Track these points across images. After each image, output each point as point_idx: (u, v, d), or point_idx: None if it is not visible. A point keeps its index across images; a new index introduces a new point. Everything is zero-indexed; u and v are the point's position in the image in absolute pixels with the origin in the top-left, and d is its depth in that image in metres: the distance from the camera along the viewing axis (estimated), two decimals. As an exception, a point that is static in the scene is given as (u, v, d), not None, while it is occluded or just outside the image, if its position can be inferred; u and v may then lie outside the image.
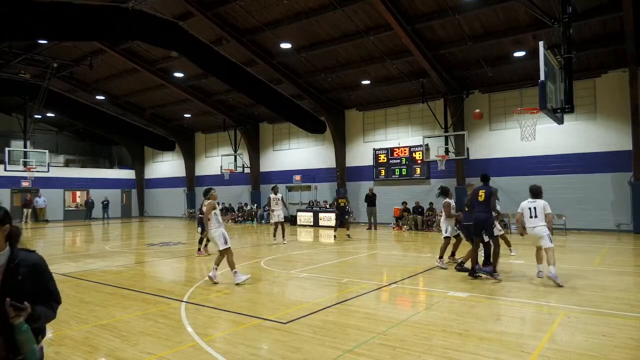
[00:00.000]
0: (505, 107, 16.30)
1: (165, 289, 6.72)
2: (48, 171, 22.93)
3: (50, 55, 18.69)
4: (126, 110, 24.49)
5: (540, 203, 6.51)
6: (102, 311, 5.51)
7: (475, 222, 6.77)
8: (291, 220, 20.05)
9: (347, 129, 20.71)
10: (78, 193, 29.29)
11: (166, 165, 29.54)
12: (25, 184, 24.80)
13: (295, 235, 15.00)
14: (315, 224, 18.44)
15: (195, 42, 14.41)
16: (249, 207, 23.56)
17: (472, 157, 16.45)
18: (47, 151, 22.96)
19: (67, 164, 30.14)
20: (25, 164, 22.06)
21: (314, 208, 19.47)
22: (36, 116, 24.73)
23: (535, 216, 6.50)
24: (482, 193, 6.81)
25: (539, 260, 6.82)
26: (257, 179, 23.87)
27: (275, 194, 12.35)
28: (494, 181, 16.09)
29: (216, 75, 16.39)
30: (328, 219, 18.46)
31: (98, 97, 23.01)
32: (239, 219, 22.75)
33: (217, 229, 7.12)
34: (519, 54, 14.21)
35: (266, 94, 17.65)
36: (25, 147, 24.63)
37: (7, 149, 22.25)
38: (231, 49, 15.95)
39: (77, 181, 27.85)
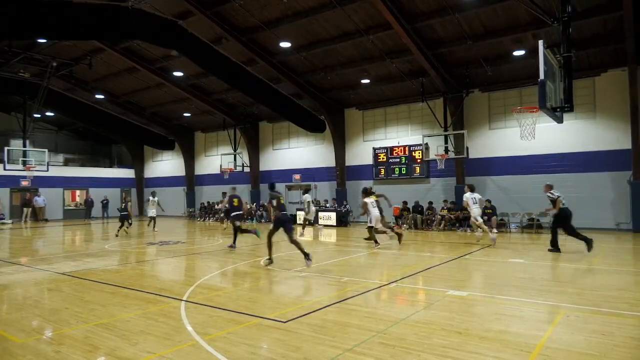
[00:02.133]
0: (505, 106, 16.28)
1: (165, 288, 6.73)
2: (47, 170, 22.96)
3: (49, 54, 18.72)
4: (126, 110, 24.52)
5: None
6: (102, 310, 5.51)
7: None
8: (291, 219, 20.17)
9: (347, 128, 20.70)
10: (77, 192, 29.32)
11: (166, 165, 29.63)
12: (24, 183, 24.90)
13: (296, 234, 14.96)
14: (316, 222, 18.42)
15: (194, 41, 14.42)
16: (248, 206, 23.60)
17: (471, 156, 16.45)
18: (46, 150, 22.98)
19: (66, 163, 30.22)
20: (24, 163, 22.07)
21: (315, 207, 19.48)
22: (35, 115, 24.71)
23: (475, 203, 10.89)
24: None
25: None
26: (256, 178, 23.94)
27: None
28: (494, 180, 16.12)
29: (216, 74, 16.43)
30: (328, 218, 18.48)
31: (97, 96, 23.04)
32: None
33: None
34: (519, 52, 14.20)
35: (266, 93, 17.63)
36: (24, 146, 24.63)
37: (6, 148, 22.34)
38: (231, 48, 15.97)
39: (77, 180, 27.98)
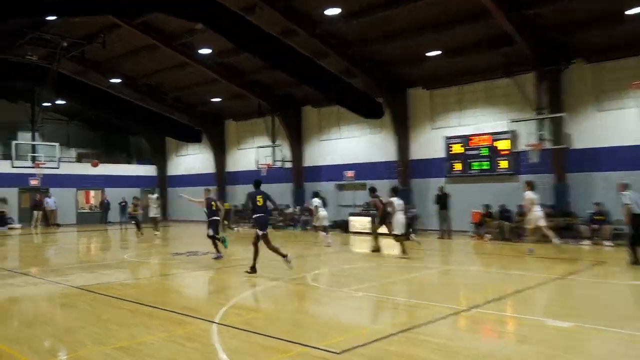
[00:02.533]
0: (617, 80, 15.46)
1: (194, 307, 6.90)
2: (58, 167, 24.26)
3: (59, 33, 19.64)
4: (145, 95, 25.44)
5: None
6: (122, 331, 5.69)
7: None
8: (343, 226, 20.11)
9: (411, 111, 20.40)
10: (92, 193, 30.73)
11: (192, 160, 30.46)
12: (33, 182, 26.27)
13: (347, 245, 15.08)
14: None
15: (223, 11, 14.49)
16: (290, 210, 23.83)
17: (575, 146, 15.95)
18: (57, 144, 24.27)
19: (79, 159, 31.76)
20: (33, 159, 23.49)
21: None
22: (45, 104, 26.22)
23: None
24: None
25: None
26: (300, 175, 24.11)
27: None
28: (606, 177, 15.22)
29: (248, 50, 16.59)
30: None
31: (112, 80, 23.97)
32: (280, 223, 23.06)
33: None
34: (635, 10, 13.42)
35: (309, 70, 17.66)
36: (33, 139, 26.47)
37: (13, 142, 23.72)
38: (266, 17, 15.89)
39: (91, 179, 29.12)
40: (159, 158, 32.03)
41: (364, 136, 22.13)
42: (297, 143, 24.21)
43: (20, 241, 20.03)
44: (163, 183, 31.67)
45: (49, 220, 27.12)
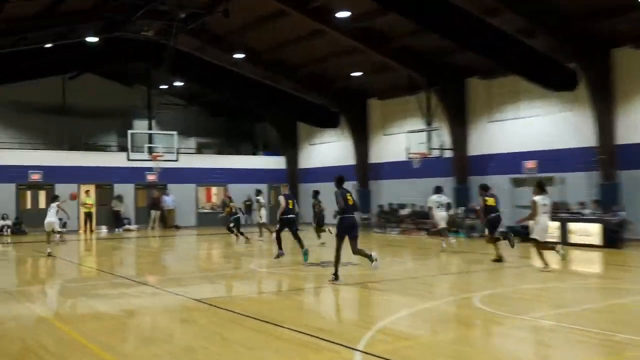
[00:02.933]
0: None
1: (331, 329, 7.05)
2: (177, 160, 26.16)
3: (176, 2, 20.84)
4: (272, 72, 26.51)
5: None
6: (248, 354, 5.97)
7: None
8: (521, 233, 19.28)
9: (618, 79, 18.96)
10: (214, 189, 32.69)
11: (328, 149, 31.47)
12: (150, 177, 28.72)
13: (527, 258, 14.71)
14: (563, 239, 17.33)
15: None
16: (451, 211, 23.17)
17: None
18: (175, 133, 26.06)
19: (199, 149, 33.99)
20: (150, 150, 25.30)
21: (562, 214, 18.27)
22: (161, 86, 28.54)
23: None
24: None
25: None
26: (463, 167, 23.85)
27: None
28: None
29: (397, 9, 16.58)
30: (584, 232, 17.16)
31: (235, 56, 25.31)
32: (434, 229, 22.60)
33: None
34: None
35: (474, 31, 17.40)
36: (150, 127, 28.63)
37: (129, 131, 25.87)
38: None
39: (212, 173, 31.14)
40: (289, 148, 33.32)
41: (549, 115, 21.24)
42: (460, 125, 23.70)
43: (136, 245, 22.15)
44: (293, 177, 32.83)
45: (167, 222, 29.52)
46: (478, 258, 15.03)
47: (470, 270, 13.18)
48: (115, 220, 28.27)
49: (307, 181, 31.89)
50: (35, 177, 27.38)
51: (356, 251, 10.64)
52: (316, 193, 19.88)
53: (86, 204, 27.39)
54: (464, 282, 11.68)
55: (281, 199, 14.31)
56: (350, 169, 28.71)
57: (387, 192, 27.13)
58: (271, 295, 10.40)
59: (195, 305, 8.92)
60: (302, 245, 13.72)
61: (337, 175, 11.26)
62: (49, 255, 16.23)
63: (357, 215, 10.82)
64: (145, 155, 25.18)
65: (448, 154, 23.81)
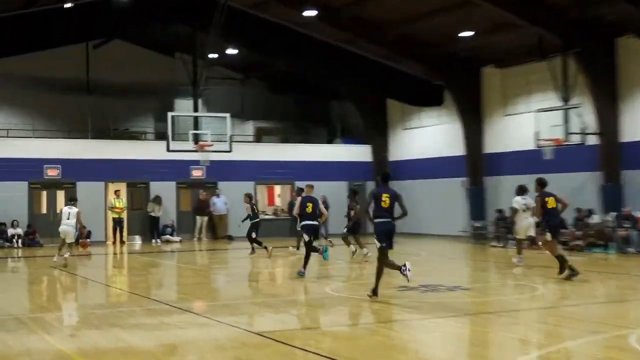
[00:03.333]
0: None
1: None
2: (230, 150, 25.83)
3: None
4: (354, 34, 26.31)
5: None
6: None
7: None
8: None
9: None
10: (277, 189, 32.86)
11: (427, 135, 31.27)
12: (196, 173, 29.10)
13: None
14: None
15: None
16: (596, 219, 22.65)
17: None
18: (228, 115, 25.68)
19: (258, 136, 34.18)
20: (196, 138, 25.21)
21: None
22: (211, 56, 28.78)
23: None
24: None
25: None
26: (614, 158, 23.41)
27: None
28: None
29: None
30: None
31: (306, 14, 25.18)
32: (578, 242, 22.01)
33: None
34: None
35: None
36: (195, 109, 27.92)
37: (170, 114, 25.75)
38: None
39: (276, 167, 31.38)
40: (376, 133, 33.16)
41: None
42: (609, 101, 23.19)
43: (178, 261, 22.67)
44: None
45: (217, 230, 29.72)
46: (633, 283, 14.96)
47: (624, 298, 12.97)
48: (152, 229, 28.71)
49: (401, 177, 30.93)
50: (52, 173, 27.90)
51: (387, 264, 11.59)
52: (354, 193, 20.88)
53: (115, 207, 27.90)
54: (614, 313, 11.45)
55: (298, 201, 15.70)
56: (458, 161, 28.85)
57: (509, 192, 26.42)
58: (353, 328, 10.42)
59: (253, 340, 8.94)
60: (305, 263, 15.23)
61: (383, 171, 11.81)
62: (64, 265, 17.06)
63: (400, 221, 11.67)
64: (190, 145, 25.19)
65: (593, 140, 23.37)
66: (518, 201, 17.74)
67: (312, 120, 35.56)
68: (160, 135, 28.45)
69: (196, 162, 27.54)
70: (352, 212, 20.01)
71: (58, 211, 24.20)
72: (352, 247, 19.79)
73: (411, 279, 11.42)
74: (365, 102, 33.08)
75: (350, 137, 34.95)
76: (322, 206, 16.35)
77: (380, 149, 33.15)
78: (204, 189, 30.02)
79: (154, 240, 28.20)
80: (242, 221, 22.16)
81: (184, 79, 28.64)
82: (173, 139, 25.42)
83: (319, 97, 35.23)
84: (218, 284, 17.23)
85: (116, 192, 28.26)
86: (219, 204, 29.65)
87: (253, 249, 21.49)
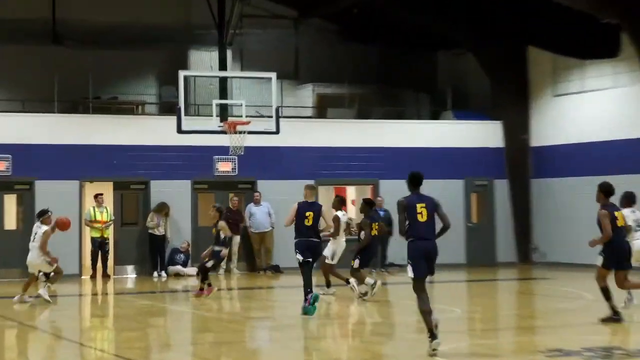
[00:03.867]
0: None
1: None
2: (277, 132, 25.29)
3: None
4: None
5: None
6: None
7: None
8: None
9: None
10: (351, 190, 32.82)
11: (594, 105, 30.99)
12: (223, 167, 28.51)
13: None
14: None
15: None
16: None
17: None
18: (274, 76, 25.05)
19: (320, 107, 33.54)
20: (223, 112, 24.99)
21: None
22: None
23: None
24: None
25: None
26: None
27: None
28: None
29: None
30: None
31: None
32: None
33: None
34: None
35: None
36: (222, 65, 28.02)
37: (182, 73, 25.00)
38: None
39: (347, 156, 31.03)
40: (510, 103, 32.78)
41: None
42: None
43: (194, 306, 21.52)
44: (519, 166, 32.79)
45: (257, 257, 29.08)
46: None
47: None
48: (153, 255, 28.23)
49: (548, 173, 31.86)
50: (-1, 166, 27.53)
51: (425, 307, 11.50)
52: (366, 204, 21.63)
53: (96, 221, 27.69)
54: None
55: (292, 208, 16.71)
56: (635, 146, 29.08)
57: None
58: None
59: None
60: (309, 289, 16.47)
61: (412, 173, 12.21)
62: (38, 297, 18.27)
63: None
64: (214, 123, 24.75)
65: None
66: (627, 215, 17.43)
67: (407, 83, 35.17)
68: (167, 108, 28.69)
69: (224, 150, 26.93)
70: (364, 230, 20.68)
71: (10, 227, 25.90)
72: (370, 280, 20.33)
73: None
74: (492, 54, 32.14)
75: (467, 109, 34.79)
76: (328, 216, 17.36)
77: (517, 128, 32.67)
78: (236, 192, 29.80)
79: (156, 273, 27.68)
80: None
81: (205, 18, 28.44)
82: (187, 114, 25.28)
83: (417, 48, 35.09)
84: (258, 342, 16.49)
85: (97, 197, 27.94)
86: (259, 215, 29.15)
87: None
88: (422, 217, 11.25)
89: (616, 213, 15.09)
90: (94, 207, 27.38)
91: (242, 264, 29.33)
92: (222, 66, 27.80)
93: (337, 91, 33.96)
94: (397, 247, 27.40)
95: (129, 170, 28.63)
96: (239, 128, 24.46)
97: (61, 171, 27.22)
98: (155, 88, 31.81)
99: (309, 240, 16.15)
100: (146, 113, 31.50)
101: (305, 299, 16.57)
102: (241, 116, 24.72)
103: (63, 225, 20.97)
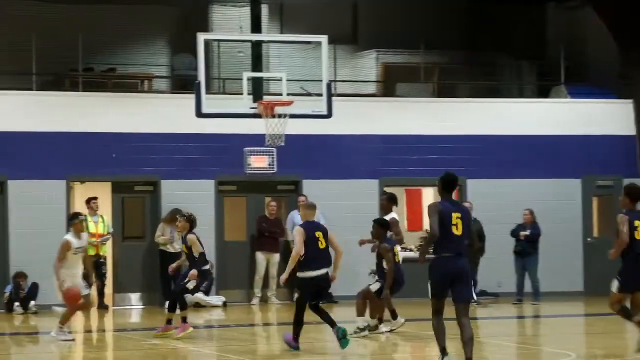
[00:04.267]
0: None
1: None
2: (329, 114, 25.15)
3: None
4: None
5: None
6: None
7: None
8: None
9: None
10: (429, 195, 32.48)
11: None
12: (258, 161, 28.62)
13: None
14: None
15: None
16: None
17: None
18: (325, 38, 24.98)
19: (387, 83, 33.46)
20: (256, 89, 24.98)
21: None
22: None
23: None
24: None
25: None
26: None
27: None
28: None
29: None
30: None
31: None
32: None
33: None
34: None
35: None
36: (256, 26, 27.71)
37: (202, 36, 24.89)
38: None
39: (424, 147, 31.63)
40: None
41: None
42: None
43: (220, 348, 21.80)
44: None
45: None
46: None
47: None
48: (165, 279, 27.65)
49: None
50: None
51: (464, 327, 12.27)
52: (380, 227, 21.28)
53: (89, 234, 26.66)
54: None
55: (296, 232, 16.95)
56: None
57: None
58: None
59: None
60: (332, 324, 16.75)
61: (444, 175, 12.71)
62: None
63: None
64: (246, 103, 24.96)
65: None
66: None
67: (503, 49, 35.73)
68: (182, 84, 28.81)
69: (258, 140, 27.31)
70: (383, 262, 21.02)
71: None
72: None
73: None
74: (621, 6, 30.94)
75: (586, 84, 35.21)
76: (335, 240, 17.33)
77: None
78: (274, 195, 30.27)
79: (168, 303, 26.55)
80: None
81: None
82: (209, 91, 25.89)
83: (517, 0, 35.36)
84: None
85: (90, 202, 28.36)
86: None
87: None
88: (457, 230, 11.72)
89: (637, 222, 15.26)
90: (86, 216, 26.11)
91: (283, 291, 29.30)
92: (256, 27, 27.36)
93: (409, 60, 33.82)
94: (490, 269, 28.59)
95: (133, 166, 28.74)
96: (277, 110, 24.40)
97: (42, 168, 27.33)
98: (166, 57, 31.81)
99: (320, 274, 16.43)
100: (154, 90, 31.46)
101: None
102: (281, 94, 24.71)
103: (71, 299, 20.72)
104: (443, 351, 12.19)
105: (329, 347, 18.01)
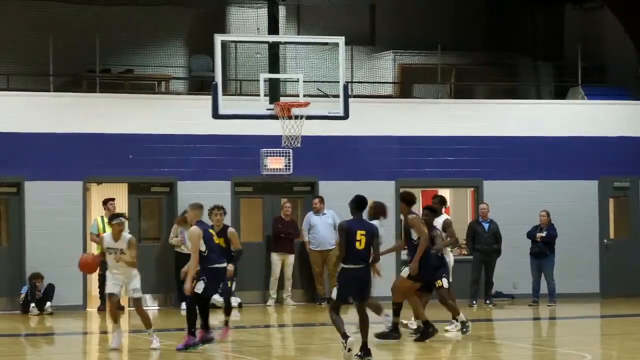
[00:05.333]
0: None
1: None
2: (346, 115, 24.80)
3: None
4: None
5: None
6: None
7: None
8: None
9: None
10: (448, 196, 31.53)
11: None
12: (274, 163, 28.57)
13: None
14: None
15: None
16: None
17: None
18: (342, 39, 24.89)
19: (405, 84, 33.33)
20: (273, 90, 24.97)
21: None
22: None
23: None
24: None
25: None
26: None
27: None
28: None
29: None
30: None
31: None
32: None
33: None
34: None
35: None
36: (273, 27, 27.68)
37: (219, 37, 24.78)
38: None
39: (442, 149, 31.66)
40: None
41: None
42: None
43: (237, 349, 21.55)
44: None
45: (317, 284, 29.28)
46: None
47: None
48: (181, 281, 27.19)
49: None
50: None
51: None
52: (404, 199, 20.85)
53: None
54: None
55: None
56: None
57: None
58: None
59: None
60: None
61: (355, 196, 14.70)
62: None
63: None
64: (261, 105, 24.73)
65: None
66: None
67: (521, 50, 35.81)
68: (199, 85, 28.92)
69: (274, 141, 27.14)
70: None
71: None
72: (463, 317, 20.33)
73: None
74: (636, 4, 31.03)
75: (603, 84, 35.22)
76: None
77: None
78: (290, 196, 30.53)
79: (184, 305, 26.36)
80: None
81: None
82: (226, 92, 26.18)
83: (536, 1, 35.92)
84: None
85: (107, 203, 27.95)
86: (320, 228, 29.38)
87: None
88: (359, 245, 13.06)
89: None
90: (102, 217, 27.13)
91: (299, 292, 29.58)
92: (273, 28, 27.38)
93: (426, 61, 33.74)
94: (506, 271, 28.73)
95: (149, 167, 28.86)
96: (294, 111, 24.18)
97: (58, 169, 27.32)
98: (183, 58, 31.82)
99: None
100: (171, 91, 31.53)
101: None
102: (298, 95, 24.52)
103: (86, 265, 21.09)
104: (344, 336, 13.94)
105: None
